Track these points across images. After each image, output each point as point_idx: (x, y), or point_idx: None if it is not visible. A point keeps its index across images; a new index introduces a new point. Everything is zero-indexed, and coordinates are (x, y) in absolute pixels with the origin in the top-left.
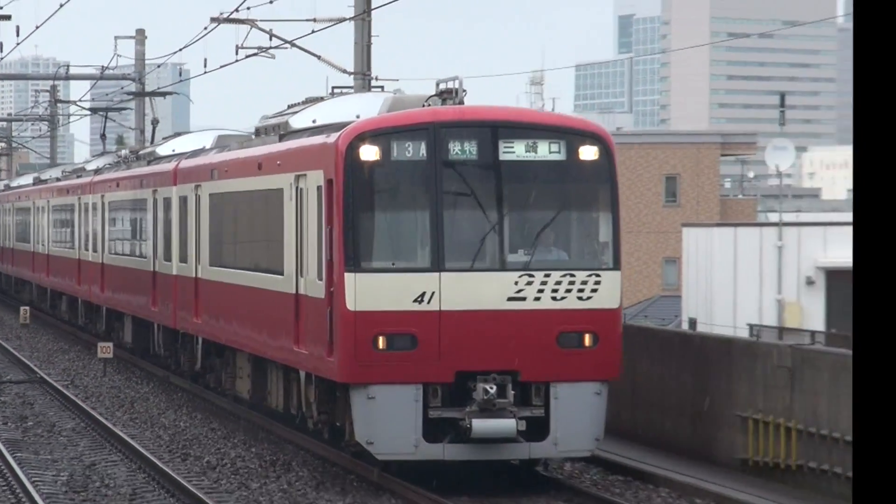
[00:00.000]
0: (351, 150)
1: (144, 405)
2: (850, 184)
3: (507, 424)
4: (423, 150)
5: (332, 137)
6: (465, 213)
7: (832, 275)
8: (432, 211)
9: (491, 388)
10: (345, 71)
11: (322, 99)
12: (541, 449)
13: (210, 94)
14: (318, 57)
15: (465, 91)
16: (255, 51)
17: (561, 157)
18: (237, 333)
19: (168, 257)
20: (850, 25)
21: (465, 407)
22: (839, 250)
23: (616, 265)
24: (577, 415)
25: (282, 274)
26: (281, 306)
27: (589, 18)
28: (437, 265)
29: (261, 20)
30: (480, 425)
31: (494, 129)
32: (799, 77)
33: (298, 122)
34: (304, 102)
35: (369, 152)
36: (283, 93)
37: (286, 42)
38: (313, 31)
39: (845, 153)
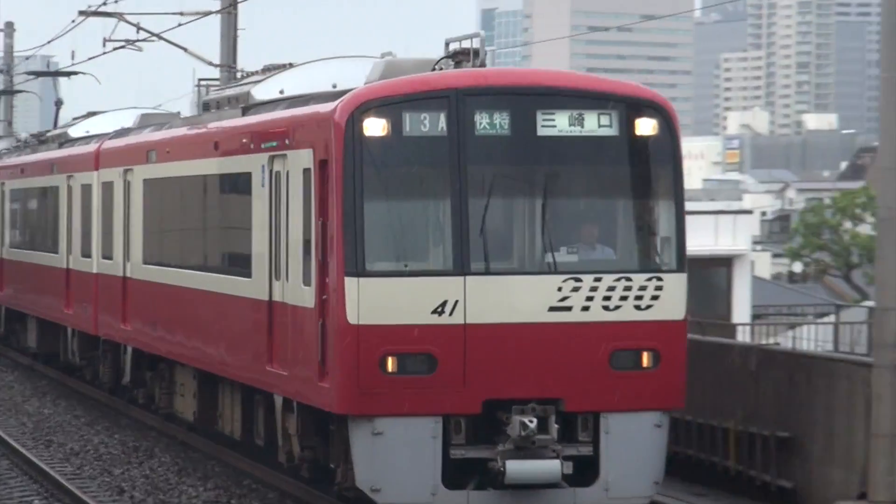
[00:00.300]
0: (352, 123)
1: (9, 393)
2: (705, 173)
3: (550, 467)
4: (442, 124)
5: (327, 108)
6: (496, 202)
7: (689, 263)
8: (455, 199)
9: (531, 421)
10: (211, 63)
11: (290, 65)
12: (589, 496)
13: (76, 87)
14: (185, 49)
15: (486, 52)
16: (123, 43)
17: (613, 131)
18: (181, 345)
19: (87, 253)
20: (707, 19)
21: (496, 445)
22: (695, 238)
23: (681, 266)
24: (633, 453)
25: (249, 276)
26: (247, 315)
27: (452, 11)
28: (461, 267)
29: (128, 13)
30: (516, 468)
31: (531, 98)
32: (657, 70)
33: (263, 92)
34: (264, 71)
35: (375, 126)
36: (149, 84)
37: (153, 35)
38: (180, 25)
39: (701, 144)
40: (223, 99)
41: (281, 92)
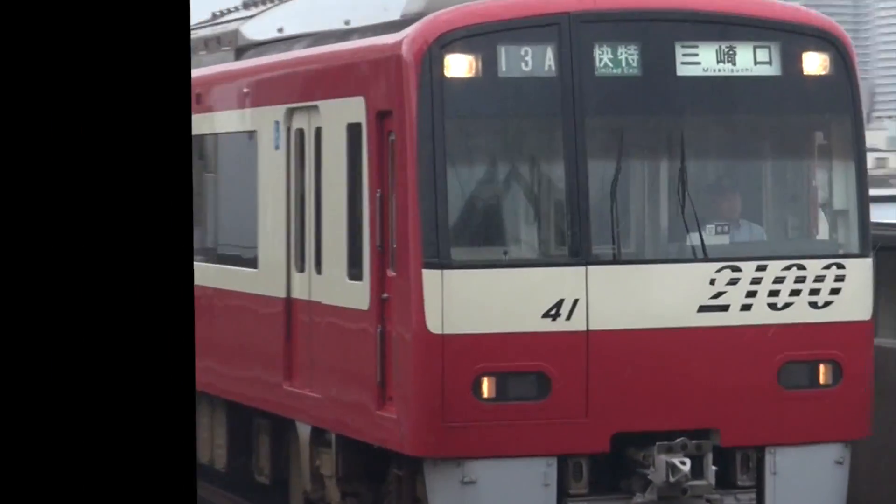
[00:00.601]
0: (429, 60)
1: None
2: None
3: None
4: (550, 61)
5: (389, 41)
6: (624, 166)
7: None
8: (570, 162)
9: (682, 462)
10: None
11: None
12: None
13: None
14: None
15: None
16: None
17: (773, 70)
18: None
19: None
20: None
21: (630, 494)
22: None
23: (864, 250)
24: (808, 500)
25: (253, 266)
26: (250, 317)
27: None
28: (581, 254)
29: None
30: None
31: (667, 25)
32: None
33: (255, 31)
34: (245, 6)
35: (460, 64)
36: None
37: None
38: None
39: None
40: (198, 41)
41: (280, 30)
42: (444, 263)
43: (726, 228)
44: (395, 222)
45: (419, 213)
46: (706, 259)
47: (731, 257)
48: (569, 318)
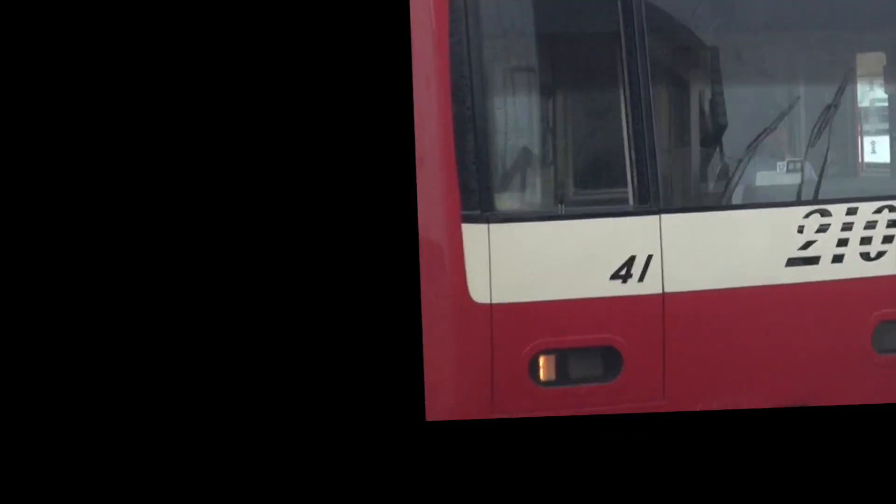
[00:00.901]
0: None
1: None
2: None
3: None
4: None
5: None
6: (693, 94)
7: None
8: (632, 90)
9: None
10: None
11: None
12: None
13: None
14: None
15: None
16: None
17: None
18: None
19: None
20: None
21: None
22: None
23: None
24: None
25: None
26: None
27: None
28: (652, 201)
29: None
30: None
31: None
32: None
33: None
34: None
35: None
36: None
37: None
38: None
39: None
40: None
41: None
42: (489, 216)
43: (799, 165)
44: (417, 167)
45: (454, 154)
46: (794, 203)
47: (819, 199)
48: (641, 278)
